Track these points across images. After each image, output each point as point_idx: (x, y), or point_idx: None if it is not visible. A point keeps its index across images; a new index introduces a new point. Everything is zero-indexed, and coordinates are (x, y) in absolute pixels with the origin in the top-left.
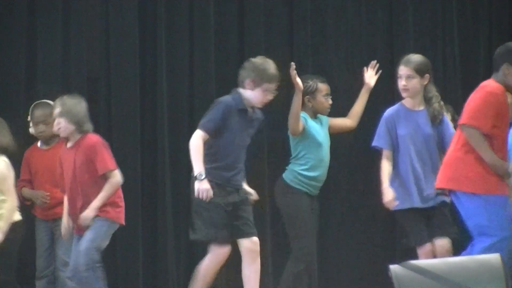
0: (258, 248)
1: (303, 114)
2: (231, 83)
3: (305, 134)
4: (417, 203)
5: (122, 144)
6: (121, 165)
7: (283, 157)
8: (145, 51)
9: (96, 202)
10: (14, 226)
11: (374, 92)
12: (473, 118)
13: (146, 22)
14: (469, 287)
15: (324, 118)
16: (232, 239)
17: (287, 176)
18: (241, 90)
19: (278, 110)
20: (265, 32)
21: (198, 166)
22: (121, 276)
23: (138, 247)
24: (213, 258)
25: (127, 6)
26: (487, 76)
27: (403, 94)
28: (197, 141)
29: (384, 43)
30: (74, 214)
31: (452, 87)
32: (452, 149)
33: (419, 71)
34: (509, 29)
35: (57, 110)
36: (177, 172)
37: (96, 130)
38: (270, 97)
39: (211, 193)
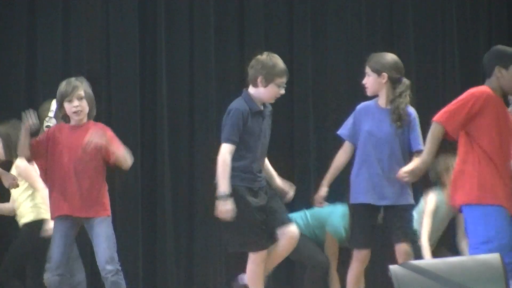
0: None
1: (344, 225)
2: (231, 83)
3: None
4: (368, 200)
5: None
6: None
7: (283, 156)
8: (145, 51)
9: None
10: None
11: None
12: (441, 115)
13: (146, 22)
14: (469, 287)
15: None
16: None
17: None
18: (251, 90)
19: (279, 109)
20: (265, 32)
21: (224, 185)
22: None
23: (137, 247)
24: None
25: (127, 6)
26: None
27: (366, 91)
28: (226, 158)
29: (384, 43)
30: (76, 193)
31: (452, 87)
32: (456, 163)
33: (375, 69)
34: (509, 29)
35: (80, 92)
36: (176, 172)
37: None
38: (282, 91)
39: (233, 213)
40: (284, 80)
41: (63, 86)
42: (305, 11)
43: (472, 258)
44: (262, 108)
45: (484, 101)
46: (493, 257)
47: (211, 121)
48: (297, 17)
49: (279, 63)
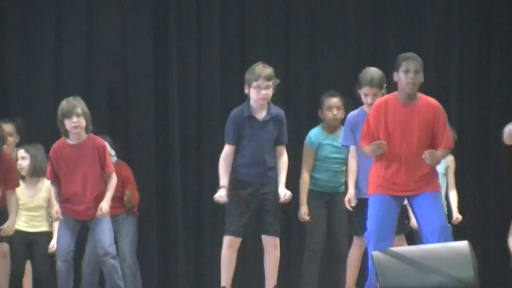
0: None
1: (316, 133)
2: (235, 91)
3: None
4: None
5: (138, 148)
6: (137, 167)
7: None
8: (158, 67)
9: (108, 198)
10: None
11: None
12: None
13: (159, 37)
14: (441, 270)
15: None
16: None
17: None
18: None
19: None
20: (264, 42)
21: (221, 179)
22: None
23: (151, 247)
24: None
25: (142, 21)
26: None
27: (368, 108)
28: (222, 158)
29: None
30: (86, 202)
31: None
32: None
33: (382, 86)
34: (509, 28)
35: (78, 110)
36: (186, 175)
37: (115, 136)
38: (263, 92)
39: (223, 200)
40: (259, 82)
41: (63, 104)
42: (299, 29)
43: (444, 245)
44: (256, 114)
45: (374, 112)
46: (462, 244)
47: (217, 128)
48: (293, 28)
49: (258, 68)
